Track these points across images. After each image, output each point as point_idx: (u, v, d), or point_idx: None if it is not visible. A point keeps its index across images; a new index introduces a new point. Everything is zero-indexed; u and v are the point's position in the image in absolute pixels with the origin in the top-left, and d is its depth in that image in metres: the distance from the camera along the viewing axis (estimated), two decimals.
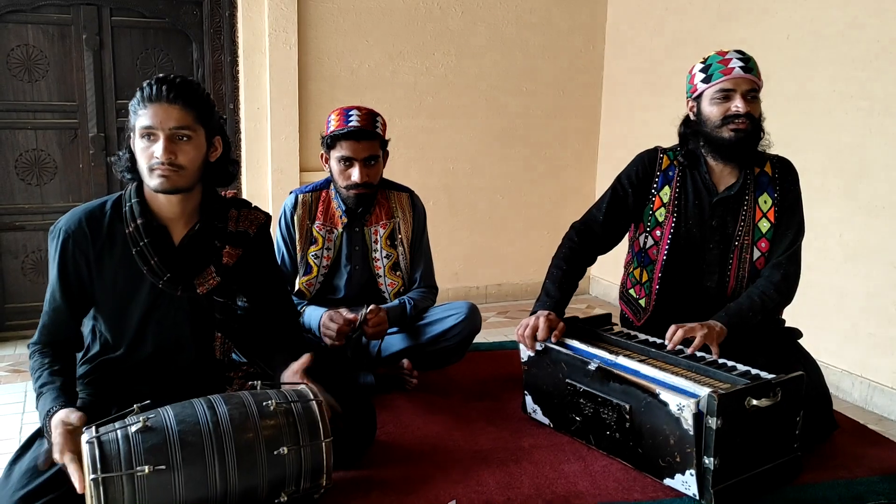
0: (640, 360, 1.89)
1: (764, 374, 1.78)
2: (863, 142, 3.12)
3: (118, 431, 1.43)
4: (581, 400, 1.95)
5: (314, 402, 1.58)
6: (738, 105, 2.07)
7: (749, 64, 2.10)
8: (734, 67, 2.08)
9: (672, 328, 1.98)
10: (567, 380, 1.98)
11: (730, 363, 1.87)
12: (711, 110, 2.11)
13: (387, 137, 2.40)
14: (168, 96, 1.66)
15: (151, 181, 1.70)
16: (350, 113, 2.31)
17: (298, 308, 2.36)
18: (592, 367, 1.88)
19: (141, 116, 1.67)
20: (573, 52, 4.74)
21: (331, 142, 2.33)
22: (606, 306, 4.72)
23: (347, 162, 2.32)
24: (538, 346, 2.04)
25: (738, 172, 2.18)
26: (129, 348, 1.80)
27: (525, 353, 2.10)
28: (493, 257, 4.79)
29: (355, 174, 2.31)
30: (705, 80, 2.13)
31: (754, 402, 1.65)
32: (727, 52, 2.12)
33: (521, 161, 4.75)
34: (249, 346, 1.99)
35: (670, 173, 2.24)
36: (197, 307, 1.82)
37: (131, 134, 1.72)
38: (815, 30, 3.31)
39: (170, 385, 1.78)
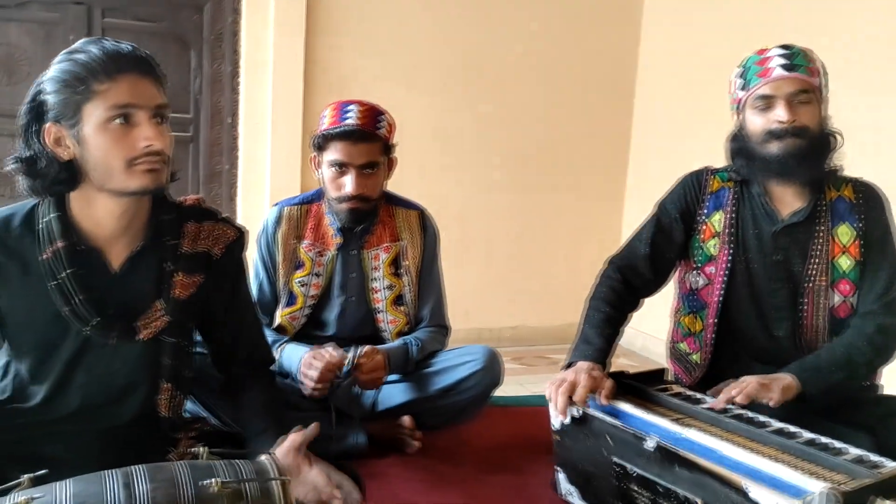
0: (716, 436, 1.50)
1: (888, 462, 1.36)
2: None
3: None
4: (634, 486, 1.57)
5: (275, 481, 1.15)
6: (779, 113, 1.78)
7: (795, 60, 1.81)
8: (773, 67, 1.81)
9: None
10: (614, 458, 1.60)
11: (836, 444, 1.47)
12: (753, 121, 1.87)
13: (394, 142, 2.07)
14: (140, 67, 1.32)
15: (132, 181, 1.32)
16: (348, 108, 2.00)
17: (277, 345, 2.01)
18: (650, 444, 1.51)
19: (104, 94, 1.29)
20: (602, 77, 4.52)
21: (322, 142, 2.01)
22: (647, 363, 4.23)
23: (340, 168, 2.00)
24: (575, 412, 1.69)
25: (807, 195, 1.87)
26: (44, 401, 1.41)
27: (557, 418, 1.74)
28: (509, 296, 4.47)
29: (348, 183, 1.99)
30: (743, 87, 1.88)
31: (885, 502, 1.23)
32: (768, 49, 1.85)
33: (542, 192, 4.48)
34: (211, 399, 1.61)
35: (722, 197, 1.97)
36: (139, 352, 1.44)
37: (59, 124, 1.32)
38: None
39: (94, 447, 1.38)
